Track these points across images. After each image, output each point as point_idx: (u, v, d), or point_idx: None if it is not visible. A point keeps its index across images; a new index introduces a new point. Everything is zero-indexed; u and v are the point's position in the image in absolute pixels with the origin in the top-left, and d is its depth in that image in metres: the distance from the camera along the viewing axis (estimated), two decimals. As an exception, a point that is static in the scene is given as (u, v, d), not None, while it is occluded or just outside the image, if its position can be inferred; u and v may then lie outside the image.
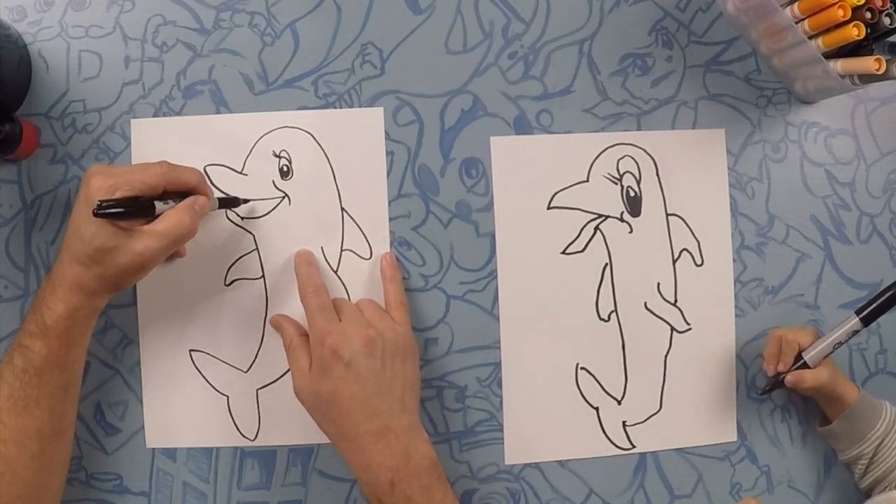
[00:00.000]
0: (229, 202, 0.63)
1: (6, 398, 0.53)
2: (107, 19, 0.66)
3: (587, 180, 0.66)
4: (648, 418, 0.66)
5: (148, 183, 0.54)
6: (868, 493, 0.63)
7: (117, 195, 0.52)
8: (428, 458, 0.56)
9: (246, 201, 0.63)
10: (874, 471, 0.62)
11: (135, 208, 0.53)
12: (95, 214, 0.51)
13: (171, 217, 0.54)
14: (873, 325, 0.67)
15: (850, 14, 0.57)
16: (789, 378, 0.61)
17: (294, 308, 0.64)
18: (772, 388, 0.63)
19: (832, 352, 0.61)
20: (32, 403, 0.53)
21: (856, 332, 0.60)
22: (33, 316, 0.54)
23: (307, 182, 0.65)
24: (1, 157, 0.62)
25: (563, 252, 0.66)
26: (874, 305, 0.59)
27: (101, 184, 0.52)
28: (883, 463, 0.61)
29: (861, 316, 0.60)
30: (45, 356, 0.53)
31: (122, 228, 0.53)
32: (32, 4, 0.66)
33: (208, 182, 0.58)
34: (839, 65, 0.60)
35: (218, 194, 0.64)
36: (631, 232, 0.67)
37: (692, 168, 0.67)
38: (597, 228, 0.66)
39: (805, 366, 0.61)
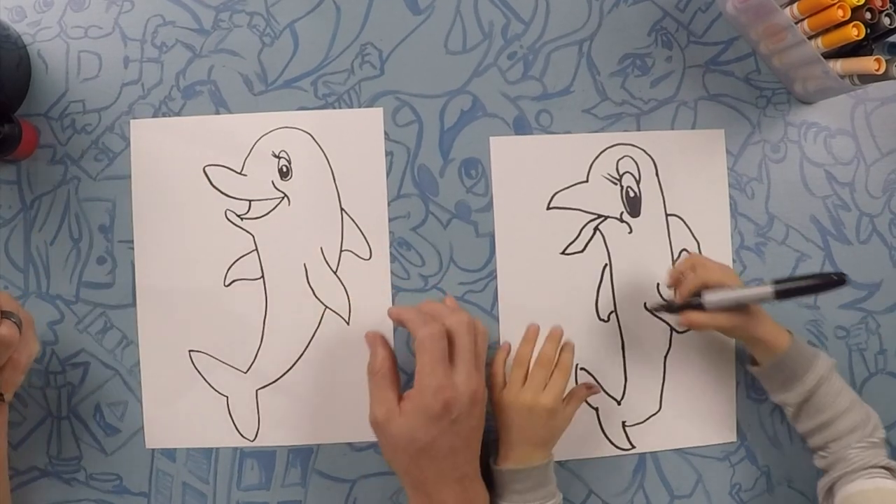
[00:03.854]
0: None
1: None
2: (106, 20, 0.66)
3: (587, 180, 0.66)
4: (648, 418, 0.66)
5: None
6: (806, 439, 0.62)
7: None
8: (486, 499, 0.59)
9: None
10: (805, 420, 0.61)
11: None
12: None
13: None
14: (873, 324, 0.67)
15: (849, 14, 0.57)
16: (681, 319, 0.59)
17: (294, 307, 0.64)
18: (658, 310, 0.63)
19: (732, 308, 0.58)
20: None
21: (762, 301, 0.57)
22: None
23: (307, 182, 0.65)
24: (0, 157, 0.62)
25: (563, 252, 0.66)
26: (792, 285, 0.55)
27: None
28: (815, 415, 0.60)
29: (775, 289, 0.56)
30: None
31: None
32: (32, 5, 0.66)
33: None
34: (839, 65, 0.60)
35: (218, 195, 0.64)
36: (631, 232, 0.67)
37: (692, 168, 0.67)
38: (596, 229, 0.66)
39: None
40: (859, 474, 0.57)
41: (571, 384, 0.65)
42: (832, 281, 0.54)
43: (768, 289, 0.56)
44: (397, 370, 0.58)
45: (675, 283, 0.62)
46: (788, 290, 0.56)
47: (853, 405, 0.60)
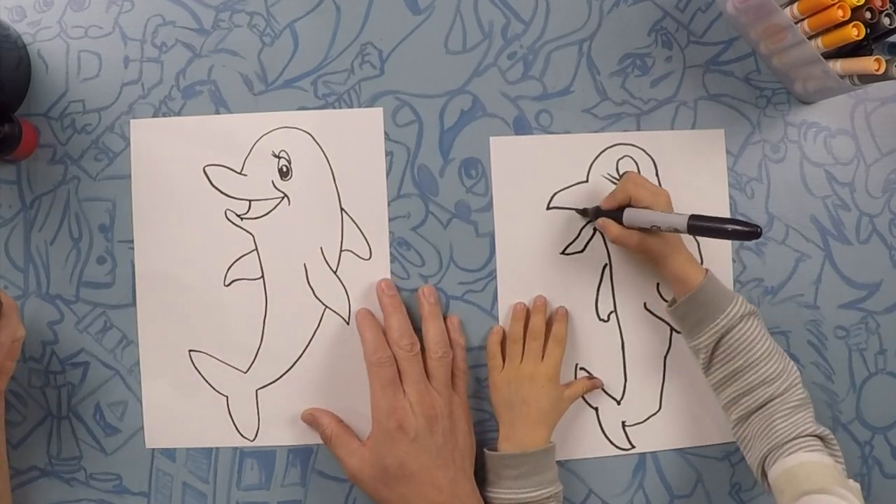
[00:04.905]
0: None
1: None
2: (106, 19, 0.66)
3: (587, 180, 0.66)
4: (648, 418, 0.66)
5: None
6: (719, 396, 0.61)
7: None
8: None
9: None
10: (713, 372, 0.60)
11: None
12: None
13: None
14: (872, 324, 0.67)
15: (849, 14, 0.56)
16: (599, 221, 0.61)
17: (294, 308, 0.64)
18: (585, 213, 0.64)
19: (646, 229, 0.59)
20: None
21: (676, 231, 0.56)
22: None
23: (307, 182, 0.65)
24: (1, 157, 0.62)
25: (563, 252, 0.66)
26: (706, 223, 0.54)
27: None
28: (727, 361, 0.59)
29: (690, 224, 0.55)
30: None
31: None
32: (32, 5, 0.66)
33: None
34: (839, 65, 0.60)
35: (218, 195, 0.64)
36: (630, 232, 0.67)
37: (692, 168, 0.67)
38: (596, 229, 0.66)
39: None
40: (780, 451, 0.55)
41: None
42: (745, 231, 0.52)
43: (683, 219, 0.55)
44: (345, 424, 0.62)
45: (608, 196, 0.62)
46: (701, 226, 0.54)
47: (768, 356, 0.58)
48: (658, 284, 0.66)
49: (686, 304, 0.60)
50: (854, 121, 0.69)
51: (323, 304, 0.65)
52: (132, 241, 0.65)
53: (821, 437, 0.56)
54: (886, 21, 0.58)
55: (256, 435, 0.64)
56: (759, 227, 0.51)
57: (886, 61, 0.58)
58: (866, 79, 0.60)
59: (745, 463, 0.66)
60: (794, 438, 0.55)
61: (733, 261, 0.67)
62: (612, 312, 0.66)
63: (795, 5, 0.59)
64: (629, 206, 0.60)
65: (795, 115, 0.68)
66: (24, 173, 0.65)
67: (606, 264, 0.66)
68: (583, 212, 0.65)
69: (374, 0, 0.66)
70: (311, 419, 0.63)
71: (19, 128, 0.62)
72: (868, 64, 0.58)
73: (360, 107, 0.66)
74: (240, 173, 0.65)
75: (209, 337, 0.64)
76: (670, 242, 0.60)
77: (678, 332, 0.66)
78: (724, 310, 0.59)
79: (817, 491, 0.50)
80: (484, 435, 0.65)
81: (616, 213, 0.61)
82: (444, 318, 0.64)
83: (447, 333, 0.63)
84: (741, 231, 0.52)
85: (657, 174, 0.67)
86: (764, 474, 0.57)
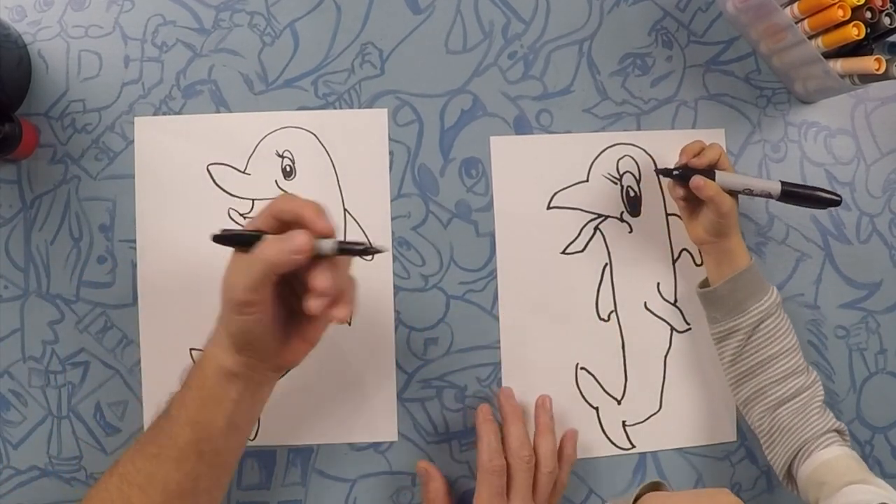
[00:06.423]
0: (352, 250, 0.47)
1: (147, 442, 0.50)
2: (106, 19, 0.66)
3: (587, 180, 0.66)
4: (648, 418, 0.66)
5: (264, 214, 0.48)
6: (742, 384, 0.61)
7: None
8: None
9: (378, 251, 0.47)
10: (746, 358, 0.60)
11: (246, 240, 0.47)
12: (213, 238, 0.48)
13: (261, 247, 0.46)
14: (873, 324, 0.67)
15: (849, 14, 0.57)
16: (697, 178, 0.58)
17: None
18: (670, 173, 0.61)
19: (738, 192, 0.59)
20: (164, 453, 0.49)
21: (767, 197, 0.60)
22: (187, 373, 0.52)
23: (310, 182, 0.65)
24: (1, 157, 0.62)
25: (563, 252, 0.66)
26: (800, 189, 0.60)
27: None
28: (763, 346, 0.59)
29: (783, 190, 0.59)
30: (183, 411, 0.50)
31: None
32: (32, 4, 0.66)
33: (328, 220, 0.47)
34: (839, 65, 0.60)
35: (221, 194, 0.64)
36: (631, 232, 0.67)
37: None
38: (596, 228, 0.66)
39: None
40: (816, 443, 0.57)
41: (570, 390, 0.66)
42: (831, 199, 0.59)
43: (776, 184, 0.59)
44: (450, 497, 0.62)
45: (690, 155, 0.60)
46: (794, 191, 0.59)
47: (798, 349, 0.60)
48: (658, 284, 0.66)
49: (736, 280, 0.60)
50: (854, 120, 0.69)
51: (323, 303, 0.65)
52: (133, 241, 0.65)
53: (838, 431, 0.58)
54: (887, 21, 0.58)
55: (256, 434, 0.64)
56: (840, 196, 0.58)
57: (886, 61, 0.58)
58: (866, 78, 0.60)
59: (745, 463, 0.66)
60: (828, 432, 0.58)
61: (733, 260, 0.67)
62: (612, 312, 0.66)
63: (796, 5, 0.59)
64: (715, 168, 0.60)
65: (796, 114, 0.68)
66: (25, 173, 0.65)
67: (606, 264, 0.66)
68: (664, 171, 0.61)
69: (374, 0, 0.66)
70: (423, 474, 0.62)
71: (19, 127, 0.62)
72: (868, 63, 0.58)
73: (360, 107, 0.66)
74: (243, 172, 0.65)
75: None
76: (735, 219, 0.60)
77: (680, 331, 0.66)
78: (767, 291, 0.60)
79: (859, 481, 0.53)
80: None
81: (699, 173, 0.59)
82: (565, 433, 0.64)
83: (562, 446, 0.63)
84: (827, 198, 0.59)
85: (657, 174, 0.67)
86: (791, 465, 0.58)
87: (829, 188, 0.68)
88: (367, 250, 0.47)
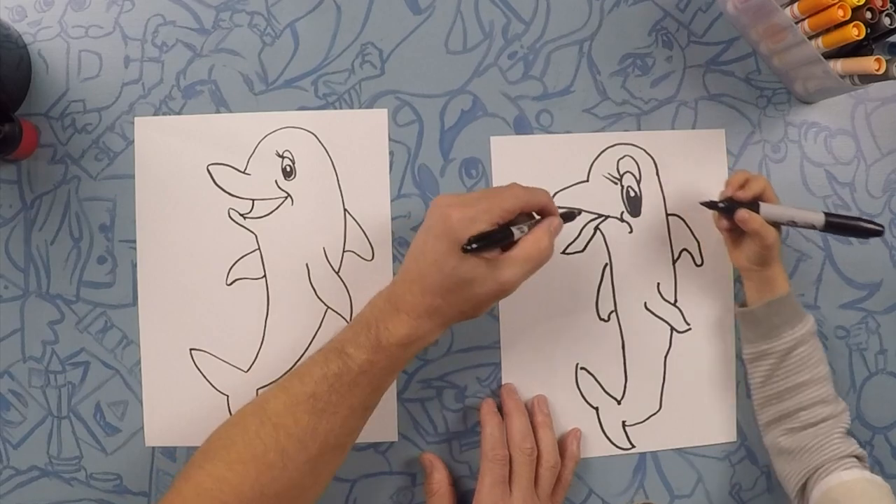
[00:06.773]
0: (567, 216, 0.58)
1: (308, 396, 0.51)
2: (106, 19, 0.66)
3: (587, 180, 0.67)
4: (648, 418, 0.66)
5: (507, 209, 0.52)
6: (768, 406, 0.61)
7: (478, 226, 0.50)
8: None
9: (579, 212, 0.60)
10: (776, 382, 0.60)
11: (500, 239, 0.51)
12: (465, 251, 0.49)
13: (529, 242, 0.52)
14: (872, 324, 0.67)
15: (850, 14, 0.57)
16: (742, 212, 0.58)
17: (295, 308, 0.64)
18: (715, 205, 0.61)
19: (782, 224, 0.60)
20: (331, 409, 0.51)
21: (811, 228, 0.60)
22: (365, 330, 0.52)
23: (310, 182, 0.65)
24: (1, 157, 0.62)
25: (563, 252, 0.66)
26: (844, 220, 0.59)
27: (462, 215, 0.50)
28: (795, 373, 0.60)
29: (827, 221, 0.59)
30: (365, 371, 0.52)
31: (486, 259, 0.51)
32: (32, 4, 0.66)
33: (553, 200, 0.56)
34: (839, 65, 0.60)
35: (221, 194, 0.64)
36: (631, 232, 0.67)
37: (692, 168, 0.67)
38: (597, 228, 0.66)
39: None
40: (837, 464, 0.57)
41: (570, 390, 0.66)
42: (874, 230, 0.59)
43: (820, 215, 0.59)
44: (453, 490, 0.63)
45: (736, 188, 0.61)
46: (837, 223, 0.59)
47: (829, 378, 0.60)
48: (658, 284, 0.66)
49: (775, 304, 0.60)
50: (854, 121, 0.69)
51: (325, 304, 0.65)
52: (133, 241, 0.65)
53: (858, 457, 0.58)
54: (887, 21, 0.58)
55: (257, 435, 0.64)
56: (883, 226, 0.59)
57: (887, 61, 0.58)
58: (867, 79, 0.60)
59: (745, 463, 0.66)
60: (849, 456, 0.58)
61: (734, 261, 0.67)
62: (612, 312, 0.66)
63: (796, 5, 0.59)
64: (760, 199, 0.60)
65: (796, 114, 0.68)
66: (25, 173, 0.65)
67: (607, 264, 0.66)
68: (709, 204, 0.62)
69: (374, 0, 0.66)
70: (428, 465, 0.63)
71: (19, 127, 0.62)
72: (868, 64, 0.58)
73: (360, 107, 0.66)
74: (243, 172, 0.65)
75: (210, 336, 0.64)
76: (777, 248, 0.60)
77: (680, 331, 0.66)
78: (803, 318, 0.60)
79: None
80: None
81: (743, 205, 0.60)
82: (569, 432, 0.65)
83: (566, 444, 0.64)
84: (870, 229, 0.59)
85: (658, 174, 0.67)
86: (806, 484, 0.59)
87: (832, 190, 0.68)
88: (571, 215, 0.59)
